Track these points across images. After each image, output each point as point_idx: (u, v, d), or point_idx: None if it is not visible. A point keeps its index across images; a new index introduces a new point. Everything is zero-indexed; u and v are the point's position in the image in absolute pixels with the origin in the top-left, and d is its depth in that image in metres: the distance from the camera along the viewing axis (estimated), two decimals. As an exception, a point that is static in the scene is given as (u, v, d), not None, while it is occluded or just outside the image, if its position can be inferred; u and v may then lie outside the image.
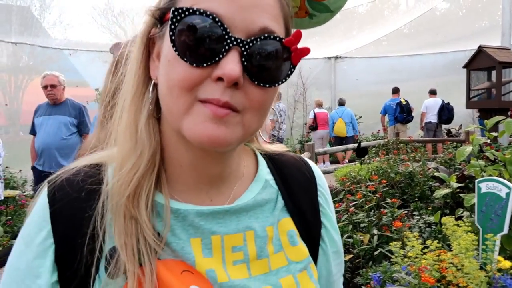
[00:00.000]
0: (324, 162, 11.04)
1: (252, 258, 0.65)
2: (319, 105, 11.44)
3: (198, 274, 0.60)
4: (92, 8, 15.97)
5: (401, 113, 10.67)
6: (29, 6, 12.81)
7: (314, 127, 11.10)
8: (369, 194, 4.01)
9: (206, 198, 0.66)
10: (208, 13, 0.53)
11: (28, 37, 9.44)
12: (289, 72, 0.60)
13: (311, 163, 0.83)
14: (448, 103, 10.74)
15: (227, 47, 0.54)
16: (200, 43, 0.54)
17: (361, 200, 3.93)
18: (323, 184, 0.80)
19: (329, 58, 14.36)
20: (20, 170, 8.28)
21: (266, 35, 0.56)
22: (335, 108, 12.54)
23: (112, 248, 0.58)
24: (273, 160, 0.78)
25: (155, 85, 0.63)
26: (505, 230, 2.29)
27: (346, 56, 14.33)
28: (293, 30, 0.59)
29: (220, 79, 0.54)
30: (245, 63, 0.55)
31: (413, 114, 10.92)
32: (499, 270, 2.12)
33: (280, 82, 0.59)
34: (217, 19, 0.53)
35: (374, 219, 3.60)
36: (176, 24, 0.55)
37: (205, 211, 0.64)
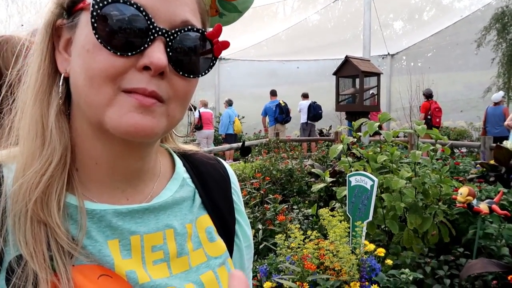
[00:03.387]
0: (208, 161, 11.18)
1: (172, 256, 0.64)
2: (205, 105, 11.53)
3: (117, 277, 0.57)
4: None
5: (281, 114, 11.44)
6: None
7: (199, 126, 11.13)
8: (253, 191, 4.19)
9: (122, 197, 0.63)
10: (132, 2, 0.53)
11: None
12: (211, 64, 0.62)
13: (224, 162, 0.85)
14: (315, 102, 11.91)
15: (152, 37, 0.54)
16: (124, 32, 0.53)
17: (246, 197, 4.08)
18: (236, 181, 0.83)
19: (213, 58, 14.58)
20: None
21: (189, 27, 0.57)
22: (218, 108, 12.79)
23: (17, 257, 0.51)
24: (188, 158, 0.78)
25: (64, 79, 0.59)
26: (370, 217, 2.63)
27: (230, 58, 14.69)
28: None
29: (146, 68, 0.54)
30: (170, 54, 0.55)
31: (291, 115, 11.81)
32: (366, 252, 2.43)
33: (203, 73, 0.60)
34: (141, 9, 0.53)
35: (258, 215, 3.77)
36: (99, 11, 0.53)
37: (123, 210, 0.61)
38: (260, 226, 3.55)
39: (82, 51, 0.55)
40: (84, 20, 0.55)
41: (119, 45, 0.53)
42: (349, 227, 2.54)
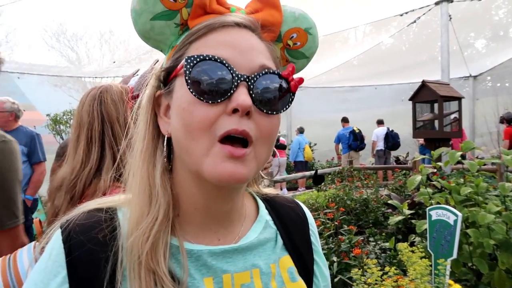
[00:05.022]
0: (281, 189, 11.21)
1: None
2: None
3: None
4: (43, 30, 15.49)
5: (355, 140, 11.23)
6: (-27, 25, 12.19)
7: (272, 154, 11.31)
8: (327, 221, 4.14)
9: (214, 238, 0.72)
10: (216, 57, 0.63)
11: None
12: (290, 100, 0.69)
13: (302, 205, 0.91)
14: (392, 130, 11.48)
15: (236, 83, 0.63)
16: (213, 83, 0.63)
17: (320, 227, 4.04)
18: (313, 223, 0.89)
19: (284, 87, 14.78)
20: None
21: (266, 70, 0.66)
22: (290, 135, 12.93)
23: None
24: (269, 202, 0.85)
25: (167, 139, 0.69)
26: (455, 255, 2.47)
27: (301, 86, 14.79)
28: None
29: (234, 111, 0.62)
30: (253, 95, 0.64)
31: (365, 142, 11.54)
32: (451, 293, 2.28)
33: (284, 109, 0.68)
34: (224, 62, 0.63)
35: (333, 246, 3.71)
36: (191, 70, 0.63)
37: (217, 250, 0.69)
38: (334, 259, 3.48)
39: (179, 110, 0.65)
40: (178, 84, 0.66)
41: (210, 95, 0.62)
42: (431, 265, 2.41)
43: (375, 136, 11.74)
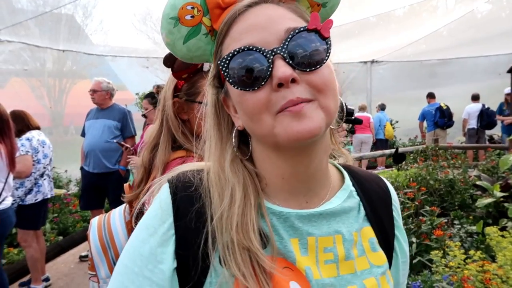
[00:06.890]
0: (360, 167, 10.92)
1: (341, 259, 0.73)
2: (362, 109, 11.29)
3: (297, 271, 0.68)
4: (132, 14, 16.58)
5: (442, 118, 10.40)
6: (73, 14, 13.45)
7: (353, 130, 10.95)
8: (407, 201, 3.97)
9: (303, 200, 0.75)
10: (242, 47, 0.66)
11: (74, 44, 9.92)
12: (328, 46, 0.68)
13: (385, 180, 0.91)
14: (488, 108, 10.38)
15: (270, 60, 0.65)
16: (251, 70, 0.66)
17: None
18: (396, 199, 0.89)
19: (365, 62, 14.11)
20: (66, 170, 8.70)
21: (291, 33, 0.66)
22: (370, 112, 12.43)
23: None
24: (352, 174, 0.86)
25: (239, 131, 0.75)
26: (554, 242, 2.23)
27: (383, 60, 14.01)
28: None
29: (279, 85, 0.64)
30: (290, 62, 0.65)
31: (453, 119, 10.63)
32: (547, 283, 2.07)
33: (326, 58, 0.67)
34: (251, 47, 0.66)
35: (412, 227, 3.56)
36: (227, 69, 0.67)
37: (303, 214, 0.73)
38: (414, 240, 3.34)
39: (237, 105, 0.71)
40: (228, 84, 0.70)
41: (253, 82, 0.65)
42: (524, 252, 2.20)
43: (466, 113, 10.64)
